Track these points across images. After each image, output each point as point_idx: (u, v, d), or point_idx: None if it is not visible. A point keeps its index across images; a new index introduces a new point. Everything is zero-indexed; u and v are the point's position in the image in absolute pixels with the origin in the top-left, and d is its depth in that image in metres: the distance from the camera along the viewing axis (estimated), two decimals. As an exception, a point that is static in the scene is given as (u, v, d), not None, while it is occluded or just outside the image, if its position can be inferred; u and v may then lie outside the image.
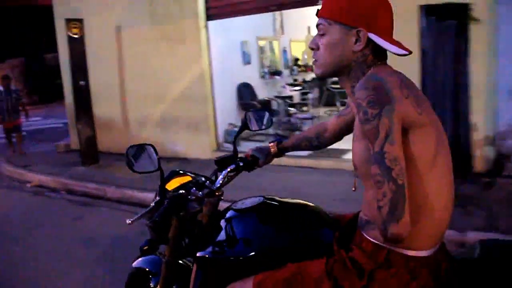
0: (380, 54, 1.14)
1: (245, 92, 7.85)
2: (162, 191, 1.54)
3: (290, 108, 8.23)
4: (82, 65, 6.37)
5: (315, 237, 1.38)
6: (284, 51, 9.79)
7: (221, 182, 1.49)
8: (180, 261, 1.71)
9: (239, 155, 1.63)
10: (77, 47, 6.30)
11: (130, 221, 1.48)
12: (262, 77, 8.68)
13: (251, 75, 8.24)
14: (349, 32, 1.12)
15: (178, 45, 6.34)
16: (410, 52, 1.12)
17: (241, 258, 1.34)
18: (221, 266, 1.40)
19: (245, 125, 1.71)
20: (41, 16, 14.49)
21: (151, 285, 1.73)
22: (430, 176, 1.07)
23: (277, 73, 9.06)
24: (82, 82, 6.35)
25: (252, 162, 1.63)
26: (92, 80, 6.57)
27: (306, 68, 10.25)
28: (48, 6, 8.07)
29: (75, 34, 6.23)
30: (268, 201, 1.48)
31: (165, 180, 1.60)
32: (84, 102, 6.47)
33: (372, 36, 1.10)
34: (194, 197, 1.46)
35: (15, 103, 7.56)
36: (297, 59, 10.29)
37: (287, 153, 1.71)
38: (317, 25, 1.19)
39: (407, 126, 1.03)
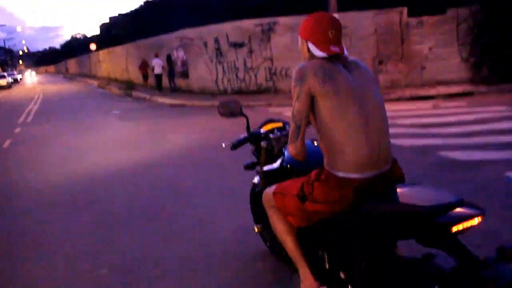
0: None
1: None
2: (247, 130, 2.65)
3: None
4: None
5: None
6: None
7: None
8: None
9: None
10: None
11: (224, 145, 2.64)
12: None
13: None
14: (304, 42, 2.07)
15: None
16: (331, 54, 1.95)
17: (275, 171, 2.51)
18: (268, 175, 2.57)
19: None
20: None
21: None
22: (340, 124, 1.85)
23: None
24: None
25: None
26: None
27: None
28: None
29: None
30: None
31: (263, 124, 2.74)
32: None
33: (309, 44, 2.02)
34: (274, 136, 2.55)
35: None
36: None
37: None
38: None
39: (313, 94, 1.89)
